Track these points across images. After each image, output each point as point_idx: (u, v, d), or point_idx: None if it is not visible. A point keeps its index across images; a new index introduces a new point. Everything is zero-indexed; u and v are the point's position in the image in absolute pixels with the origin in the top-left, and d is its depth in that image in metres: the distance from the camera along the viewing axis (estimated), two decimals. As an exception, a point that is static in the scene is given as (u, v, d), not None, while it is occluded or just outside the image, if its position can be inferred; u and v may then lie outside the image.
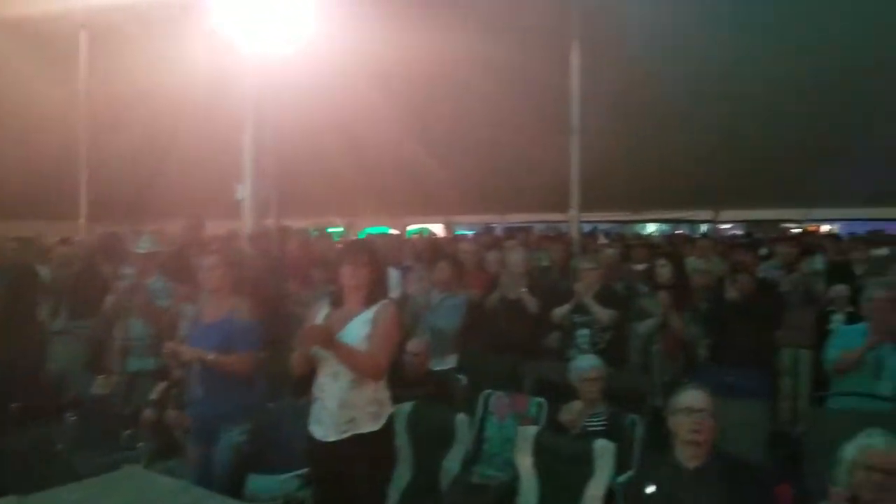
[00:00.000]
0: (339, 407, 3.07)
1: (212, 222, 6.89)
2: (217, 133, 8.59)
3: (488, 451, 4.25)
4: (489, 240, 9.00)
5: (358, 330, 3.08)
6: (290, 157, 9.60)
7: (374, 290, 3.14)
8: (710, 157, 10.44)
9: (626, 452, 3.59)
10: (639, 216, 13.81)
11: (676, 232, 13.31)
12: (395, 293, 5.09)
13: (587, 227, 13.29)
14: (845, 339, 3.93)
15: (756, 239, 9.59)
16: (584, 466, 3.39)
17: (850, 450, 2.70)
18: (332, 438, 3.09)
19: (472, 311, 5.31)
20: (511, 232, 11.90)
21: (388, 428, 3.17)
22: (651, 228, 15.07)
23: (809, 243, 8.75)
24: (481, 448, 4.27)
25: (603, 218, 13.57)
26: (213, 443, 3.72)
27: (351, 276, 3.11)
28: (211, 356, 3.60)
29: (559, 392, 4.12)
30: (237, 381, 3.70)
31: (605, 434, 3.66)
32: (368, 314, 3.11)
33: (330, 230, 11.30)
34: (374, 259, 3.20)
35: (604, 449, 3.40)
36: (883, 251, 7.27)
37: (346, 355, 2.99)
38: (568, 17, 8.38)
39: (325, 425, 3.12)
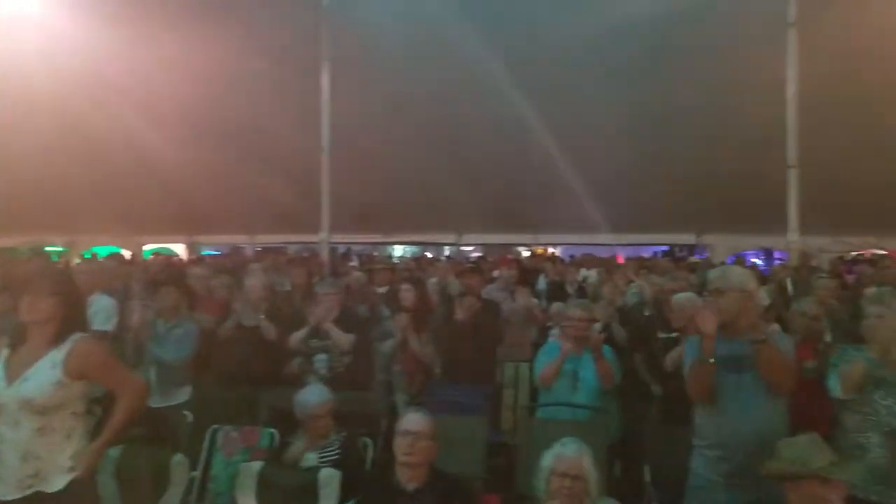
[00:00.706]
0: (21, 459, 2.66)
1: None
2: None
3: (214, 491, 3.96)
4: (230, 262, 8.57)
5: (45, 374, 2.69)
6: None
7: (64, 325, 2.75)
8: (452, 185, 11.14)
9: (358, 477, 3.58)
10: (390, 238, 14.25)
11: (425, 254, 13.96)
12: (109, 324, 4.59)
13: (342, 249, 13.41)
14: (549, 354, 4.37)
15: (489, 262, 10.37)
16: (308, 497, 3.32)
17: (547, 458, 2.97)
18: (12, 496, 2.67)
19: (204, 339, 4.97)
20: (261, 253, 11.51)
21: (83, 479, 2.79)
22: (400, 250, 15.63)
23: (531, 266, 9.71)
24: (207, 488, 3.97)
25: (357, 239, 13.77)
26: None
27: (31, 310, 2.70)
28: None
29: (296, 420, 4.00)
30: None
31: (340, 461, 3.63)
32: (58, 354, 2.72)
33: (49, 250, 9.93)
34: (64, 287, 2.81)
35: (329, 478, 3.36)
36: (591, 273, 8.27)
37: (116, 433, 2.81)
38: (319, 38, 8.41)
39: (5, 481, 2.68)
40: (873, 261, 9.05)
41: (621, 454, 4.29)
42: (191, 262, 9.38)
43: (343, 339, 4.76)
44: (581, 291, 7.75)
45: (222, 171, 11.13)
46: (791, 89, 7.83)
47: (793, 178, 7.86)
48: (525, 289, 6.98)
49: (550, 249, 14.53)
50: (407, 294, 5.31)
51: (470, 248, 14.53)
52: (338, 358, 4.79)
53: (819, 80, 7.81)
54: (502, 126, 10.20)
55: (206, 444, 4.09)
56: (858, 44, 8.04)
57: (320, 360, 4.79)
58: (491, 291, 6.42)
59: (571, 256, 12.55)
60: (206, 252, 12.80)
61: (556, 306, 6.32)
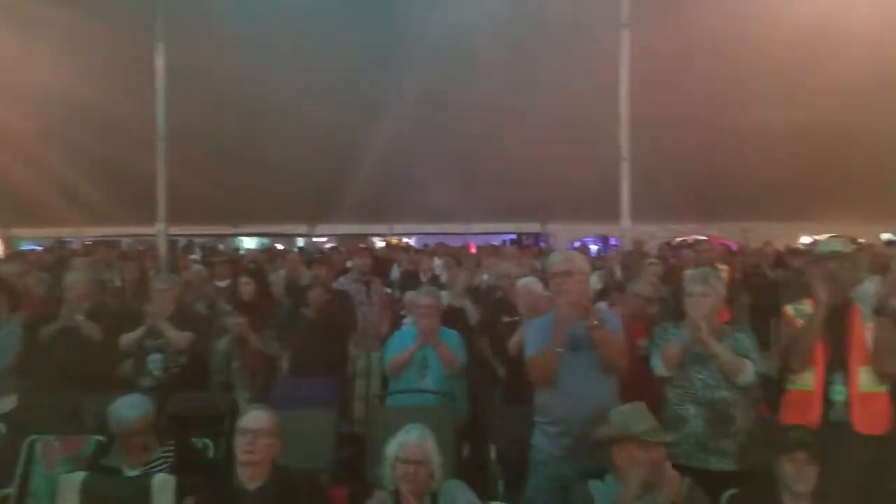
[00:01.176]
0: None
1: None
2: None
3: (34, 508, 3.60)
4: (52, 257, 7.80)
5: None
6: None
7: None
8: (304, 175, 10.91)
9: (196, 480, 3.38)
10: (238, 230, 13.67)
11: (275, 246, 13.51)
12: None
13: (184, 241, 12.68)
14: (399, 342, 4.38)
15: (341, 253, 10.24)
16: (141, 506, 3.08)
17: (392, 446, 2.97)
18: None
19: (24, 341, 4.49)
20: (92, 247, 10.59)
21: None
22: (252, 242, 15.04)
23: (385, 256, 9.73)
24: (24, 505, 3.59)
25: (200, 231, 13.07)
26: None
27: None
28: None
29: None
30: None
31: (176, 466, 3.41)
32: None
33: None
34: None
35: (163, 483, 3.14)
36: (436, 262, 8.41)
37: None
38: (152, 18, 7.84)
39: None
40: (693, 245, 9.94)
41: (469, 436, 4.38)
42: (5, 257, 8.41)
43: (179, 337, 4.49)
44: (434, 280, 7.84)
45: (46, 158, 10.15)
46: (623, 87, 8.37)
47: (625, 170, 8.42)
48: (378, 279, 6.95)
49: (405, 239, 14.65)
50: (245, 287, 5.06)
51: (323, 240, 14.27)
52: (173, 358, 4.52)
53: (649, 78, 8.43)
54: (355, 116, 10.12)
55: (22, 458, 3.70)
56: (687, 44, 8.77)
57: (154, 360, 4.50)
58: (344, 282, 6.32)
59: (425, 246, 12.72)
60: (26, 246, 11.57)
61: (409, 294, 6.33)
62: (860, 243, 7.95)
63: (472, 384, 4.69)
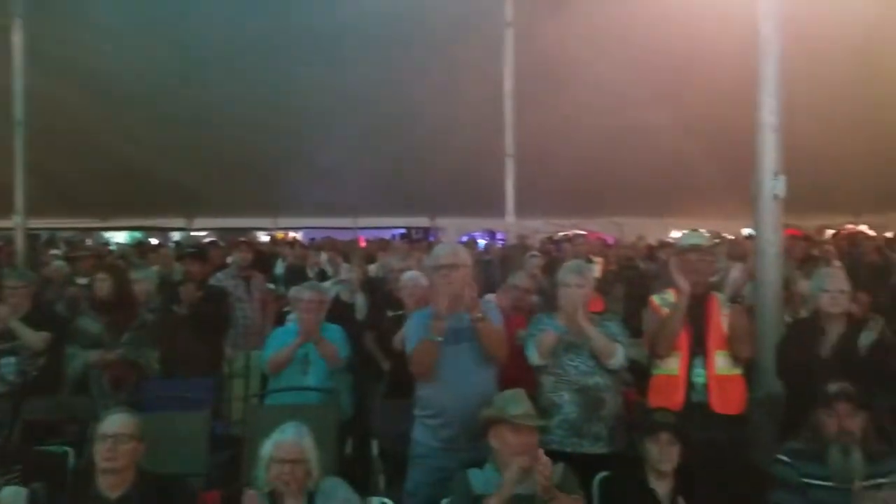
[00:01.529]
0: None
1: None
2: None
3: None
4: None
5: None
6: None
7: None
8: (182, 165, 10.41)
9: (51, 492, 3.12)
10: (107, 223, 12.82)
11: (149, 240, 12.78)
12: None
13: (46, 235, 11.80)
14: (279, 339, 4.26)
15: (221, 247, 9.86)
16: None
17: (266, 445, 2.87)
18: None
19: None
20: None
21: None
22: (124, 237, 14.12)
23: (268, 251, 9.45)
24: None
25: (66, 224, 12.16)
26: None
27: None
28: None
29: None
30: None
31: (29, 477, 3.13)
32: None
33: None
34: None
35: (13, 496, 2.89)
36: (323, 256, 8.26)
37: None
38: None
39: None
40: (572, 239, 10.31)
41: (353, 432, 4.33)
42: None
43: (34, 338, 4.17)
44: (321, 275, 7.68)
45: None
46: (508, 85, 8.54)
47: (509, 166, 8.62)
48: (260, 274, 6.72)
49: (291, 234, 14.30)
50: (101, 284, 4.66)
51: (203, 234, 13.64)
52: (30, 360, 4.18)
53: (533, 77, 8.66)
54: (237, 105, 9.77)
55: None
56: (567, 45, 9.06)
57: (7, 363, 4.14)
58: (221, 278, 6.05)
59: (312, 240, 12.46)
60: None
61: (292, 290, 6.16)
62: (723, 237, 8.56)
63: (356, 379, 4.63)
